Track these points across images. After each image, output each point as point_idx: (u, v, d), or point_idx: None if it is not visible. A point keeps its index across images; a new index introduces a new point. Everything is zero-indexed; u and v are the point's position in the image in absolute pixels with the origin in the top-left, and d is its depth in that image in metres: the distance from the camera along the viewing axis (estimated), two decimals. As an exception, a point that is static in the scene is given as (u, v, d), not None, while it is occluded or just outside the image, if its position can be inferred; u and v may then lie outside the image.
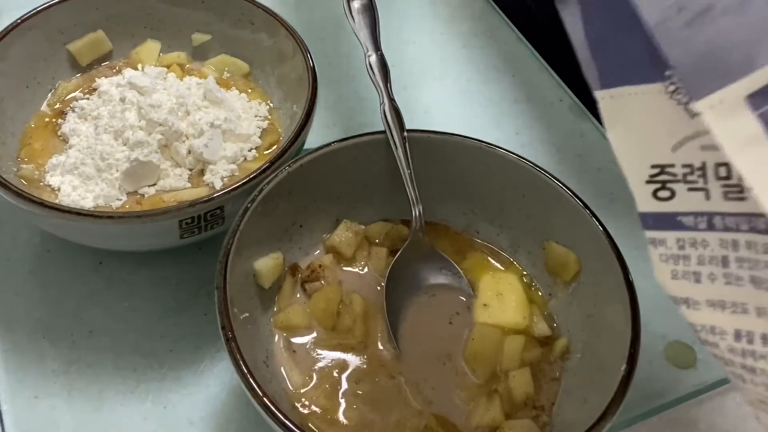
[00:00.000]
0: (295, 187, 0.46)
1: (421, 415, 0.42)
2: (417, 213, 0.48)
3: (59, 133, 0.54)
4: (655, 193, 0.29)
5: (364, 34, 0.51)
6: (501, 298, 0.47)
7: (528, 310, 0.46)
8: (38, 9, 0.55)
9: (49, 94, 0.56)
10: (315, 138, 0.51)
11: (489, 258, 0.49)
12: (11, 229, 0.53)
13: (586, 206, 0.45)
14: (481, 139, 0.48)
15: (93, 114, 0.54)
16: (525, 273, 0.48)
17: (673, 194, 0.29)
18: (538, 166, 0.47)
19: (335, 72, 0.65)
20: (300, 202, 0.47)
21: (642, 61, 0.28)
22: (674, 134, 0.28)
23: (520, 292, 0.47)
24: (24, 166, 0.51)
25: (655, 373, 0.48)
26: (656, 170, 0.29)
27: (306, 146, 0.50)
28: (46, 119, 0.55)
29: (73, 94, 0.57)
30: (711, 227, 0.28)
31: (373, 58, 0.50)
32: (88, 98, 0.56)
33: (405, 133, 0.47)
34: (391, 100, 0.49)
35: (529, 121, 0.64)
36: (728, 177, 0.27)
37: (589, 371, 0.42)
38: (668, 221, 0.29)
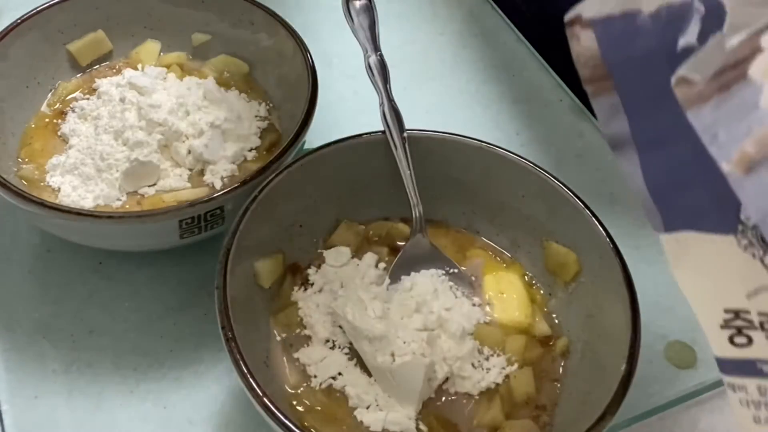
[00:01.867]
0: (295, 187, 0.46)
1: (421, 415, 0.42)
2: (417, 214, 0.48)
3: (59, 134, 0.54)
4: (731, 339, 0.29)
5: (363, 35, 0.51)
6: (502, 297, 0.47)
7: (529, 309, 0.46)
8: (38, 9, 0.55)
9: (49, 94, 0.56)
10: (315, 138, 0.51)
11: (490, 257, 0.49)
12: (11, 229, 0.53)
13: (586, 206, 0.45)
14: (481, 139, 0.48)
15: (93, 114, 0.54)
16: (527, 273, 0.48)
17: (750, 341, 0.28)
18: (538, 166, 0.47)
19: (335, 72, 0.65)
20: (300, 202, 0.47)
21: (710, 212, 0.28)
22: (748, 283, 0.28)
23: (522, 291, 0.47)
24: (24, 166, 0.52)
25: (655, 373, 0.48)
26: (730, 315, 0.29)
27: (306, 146, 0.50)
28: (47, 119, 0.55)
29: (73, 95, 0.57)
30: None
31: (373, 59, 0.50)
32: (88, 98, 0.56)
33: (405, 134, 0.47)
34: (391, 100, 0.49)
35: (529, 121, 0.64)
36: None
37: (589, 371, 0.42)
38: (748, 368, 0.29)
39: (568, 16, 0.30)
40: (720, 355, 0.29)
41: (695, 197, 0.28)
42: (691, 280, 0.30)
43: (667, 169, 0.30)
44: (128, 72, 0.56)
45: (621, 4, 0.29)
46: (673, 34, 0.28)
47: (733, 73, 0.26)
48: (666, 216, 0.30)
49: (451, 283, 0.47)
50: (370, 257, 0.47)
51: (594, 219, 0.44)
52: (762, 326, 0.28)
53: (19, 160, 0.52)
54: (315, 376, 0.43)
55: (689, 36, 0.28)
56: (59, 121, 0.55)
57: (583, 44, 0.31)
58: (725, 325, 0.29)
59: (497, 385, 0.43)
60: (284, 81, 0.56)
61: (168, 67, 0.58)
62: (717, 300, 0.29)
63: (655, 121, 0.29)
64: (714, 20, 0.27)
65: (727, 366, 0.29)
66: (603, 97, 0.31)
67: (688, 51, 0.28)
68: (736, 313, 0.28)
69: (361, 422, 0.41)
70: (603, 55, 0.30)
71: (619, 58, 0.30)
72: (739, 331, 0.29)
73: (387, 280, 0.46)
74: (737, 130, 0.26)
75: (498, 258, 0.49)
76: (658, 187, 0.30)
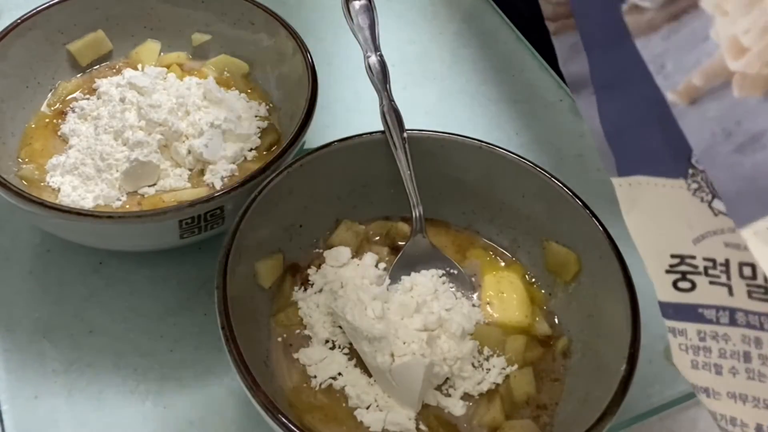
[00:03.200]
0: (295, 187, 0.46)
1: (421, 415, 0.42)
2: (417, 214, 0.48)
3: (59, 134, 0.54)
4: (675, 284, 0.29)
5: (363, 36, 0.51)
6: (502, 297, 0.47)
7: (529, 309, 0.46)
8: (38, 9, 0.55)
9: (49, 94, 0.56)
10: (315, 138, 0.51)
11: (490, 256, 0.49)
12: (11, 229, 0.53)
13: (586, 206, 0.45)
14: (481, 139, 0.48)
15: (93, 114, 0.54)
16: (527, 273, 0.48)
17: (693, 286, 0.29)
18: (538, 166, 0.47)
19: (335, 72, 0.65)
20: (300, 202, 0.47)
21: (662, 155, 0.28)
22: (696, 228, 0.28)
23: (522, 291, 0.47)
24: (24, 166, 0.52)
25: (655, 373, 0.48)
26: (676, 260, 0.29)
27: (306, 146, 0.50)
28: (47, 119, 0.55)
29: (73, 95, 0.57)
30: (733, 322, 0.28)
31: (372, 60, 0.50)
32: (88, 98, 0.56)
33: (405, 134, 0.47)
34: (391, 101, 0.49)
35: (529, 121, 0.64)
36: (753, 277, 0.27)
37: (590, 371, 0.42)
38: (689, 313, 0.29)
39: None
40: (663, 299, 0.30)
41: (648, 140, 0.28)
42: (640, 225, 0.30)
43: (622, 110, 0.30)
44: (128, 72, 0.56)
45: None
46: None
47: (684, 2, 0.26)
48: (619, 159, 0.30)
49: (451, 284, 0.47)
50: (370, 257, 0.47)
51: (594, 219, 0.44)
52: (706, 271, 0.28)
53: (19, 160, 0.52)
54: (315, 376, 0.43)
55: None
56: (59, 121, 0.55)
57: None
58: (670, 270, 0.29)
59: (497, 385, 0.43)
60: (284, 81, 0.56)
61: (168, 67, 0.58)
62: (665, 245, 0.29)
63: (612, 62, 0.29)
64: None
65: (669, 310, 0.29)
66: (564, 35, 0.31)
67: None
68: (682, 259, 0.29)
69: (361, 422, 0.41)
70: None
71: None
72: (684, 276, 0.29)
73: (387, 281, 0.46)
74: (685, 61, 0.26)
75: (498, 258, 0.49)
76: (612, 129, 0.30)
